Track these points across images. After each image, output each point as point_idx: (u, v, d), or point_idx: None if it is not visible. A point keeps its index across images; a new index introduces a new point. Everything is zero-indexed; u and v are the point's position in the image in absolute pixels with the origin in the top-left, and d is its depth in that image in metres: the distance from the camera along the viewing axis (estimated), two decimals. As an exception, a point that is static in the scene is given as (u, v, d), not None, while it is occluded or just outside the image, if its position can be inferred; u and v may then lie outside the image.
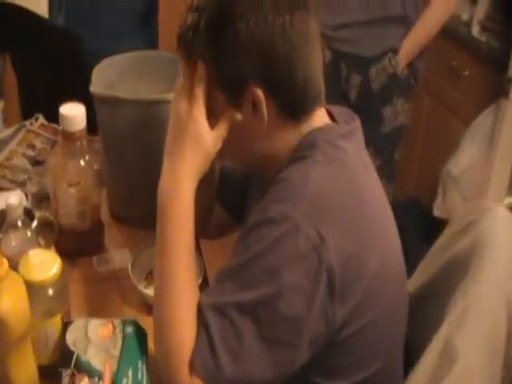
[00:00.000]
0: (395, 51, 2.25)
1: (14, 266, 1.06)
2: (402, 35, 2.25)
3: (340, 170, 1.03)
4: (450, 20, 2.67)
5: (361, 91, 2.31)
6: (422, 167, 2.83)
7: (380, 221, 1.06)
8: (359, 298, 0.97)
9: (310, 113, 1.07)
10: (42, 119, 1.88)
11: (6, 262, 1.01)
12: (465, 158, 2.32)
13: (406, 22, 2.24)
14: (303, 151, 1.05)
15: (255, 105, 1.03)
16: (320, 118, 1.09)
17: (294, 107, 1.06)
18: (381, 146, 2.25)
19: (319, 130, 1.07)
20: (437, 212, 2.39)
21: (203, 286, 1.20)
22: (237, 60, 1.01)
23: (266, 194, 1.02)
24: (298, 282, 0.94)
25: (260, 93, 1.02)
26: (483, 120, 2.36)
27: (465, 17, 2.70)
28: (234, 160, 1.18)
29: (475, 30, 2.61)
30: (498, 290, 1.03)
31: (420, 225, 2.44)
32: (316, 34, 1.06)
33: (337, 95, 2.33)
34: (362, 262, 0.98)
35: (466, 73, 2.58)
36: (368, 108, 2.27)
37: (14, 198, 1.21)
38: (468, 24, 2.65)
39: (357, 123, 1.12)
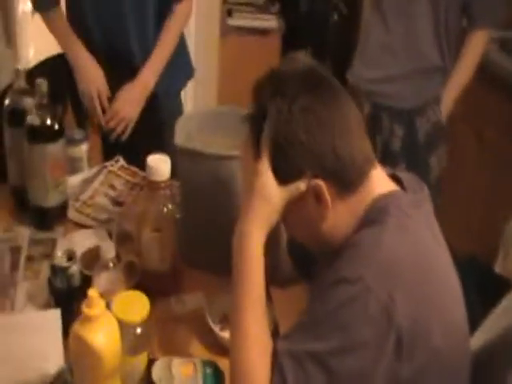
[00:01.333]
0: (437, 101, 2.29)
1: (104, 305, 1.17)
2: (440, 83, 2.29)
3: (410, 238, 1.09)
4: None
5: (405, 142, 2.33)
6: (482, 223, 2.81)
7: (446, 289, 1.10)
8: (424, 361, 1.02)
9: (366, 178, 1.12)
10: (122, 161, 1.99)
11: (103, 303, 1.11)
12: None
13: (444, 72, 2.28)
14: (374, 216, 1.10)
15: (317, 194, 1.10)
16: (380, 180, 1.14)
17: (349, 182, 1.11)
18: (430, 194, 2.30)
19: (389, 196, 1.12)
20: (498, 269, 2.37)
21: (275, 332, 1.28)
22: (291, 159, 1.10)
23: (338, 257, 1.08)
24: (366, 340, 1.00)
25: (320, 182, 1.09)
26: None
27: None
28: (302, 240, 1.24)
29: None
30: None
31: (480, 280, 2.42)
32: (350, 104, 1.12)
33: (376, 145, 2.34)
34: (427, 327, 1.03)
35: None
36: (414, 158, 2.33)
37: (108, 244, 1.34)
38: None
39: (425, 193, 1.17)
